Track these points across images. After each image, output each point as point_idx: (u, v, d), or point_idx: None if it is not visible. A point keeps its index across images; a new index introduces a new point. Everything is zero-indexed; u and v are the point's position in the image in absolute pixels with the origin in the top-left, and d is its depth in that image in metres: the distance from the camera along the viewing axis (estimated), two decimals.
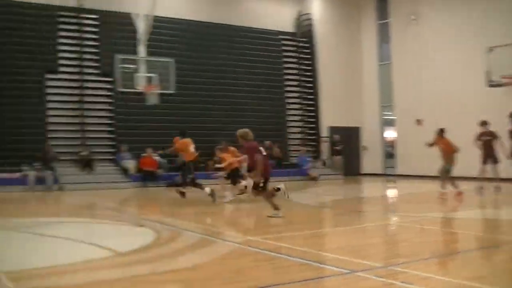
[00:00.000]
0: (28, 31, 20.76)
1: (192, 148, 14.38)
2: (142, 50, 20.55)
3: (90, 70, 22.04)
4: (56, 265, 6.62)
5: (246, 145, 10.76)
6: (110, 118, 22.15)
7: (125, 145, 20.86)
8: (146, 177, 20.15)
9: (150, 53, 20.83)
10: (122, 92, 20.64)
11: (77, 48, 21.83)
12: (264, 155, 10.68)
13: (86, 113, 21.55)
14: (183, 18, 23.95)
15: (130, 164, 20.39)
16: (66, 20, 21.89)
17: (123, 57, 20.04)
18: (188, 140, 14.66)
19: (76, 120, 21.38)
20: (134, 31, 20.94)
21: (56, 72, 21.33)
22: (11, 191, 17.67)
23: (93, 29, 22.33)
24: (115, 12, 22.23)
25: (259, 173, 10.43)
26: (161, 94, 20.29)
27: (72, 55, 21.76)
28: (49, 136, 20.57)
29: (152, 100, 20.05)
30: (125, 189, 18.77)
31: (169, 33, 23.38)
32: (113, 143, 21.70)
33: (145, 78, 19.92)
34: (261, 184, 10.59)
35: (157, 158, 20.45)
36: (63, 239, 8.80)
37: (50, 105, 21.07)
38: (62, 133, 20.99)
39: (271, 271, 6.25)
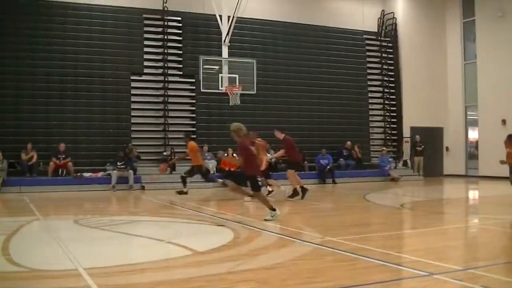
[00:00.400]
0: (114, 34, 21.40)
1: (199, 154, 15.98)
2: (224, 51, 20.71)
3: (173, 72, 22.48)
4: (136, 263, 6.70)
5: (240, 142, 10.50)
6: (192, 119, 22.54)
7: (206, 145, 21.10)
8: (226, 177, 20.26)
9: (232, 54, 20.97)
10: (205, 93, 20.89)
11: (161, 50, 22.30)
12: (253, 154, 10.67)
13: (168, 113, 21.99)
14: (265, 18, 24.00)
15: (211, 164, 20.57)
16: (151, 22, 22.41)
17: (206, 58, 20.28)
18: (195, 145, 16.06)
19: (159, 121, 21.89)
20: (216, 32, 21.15)
21: (141, 74, 21.89)
22: (95, 190, 18.30)
23: (177, 31, 22.74)
24: (198, 13, 22.55)
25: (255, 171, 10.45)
26: (243, 95, 20.38)
27: (156, 57, 22.26)
28: (132, 136, 21.15)
29: (234, 100, 20.17)
30: (206, 188, 18.95)
31: (251, 34, 23.49)
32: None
33: (228, 78, 20.06)
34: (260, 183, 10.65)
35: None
36: (143, 238, 8.94)
37: (134, 106, 21.65)
38: (145, 134, 21.54)
39: (349, 272, 6.13)
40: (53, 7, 20.75)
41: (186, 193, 16.08)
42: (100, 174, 19.35)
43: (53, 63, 20.33)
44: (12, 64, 19.88)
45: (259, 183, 10.51)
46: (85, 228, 9.71)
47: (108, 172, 19.22)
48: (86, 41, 20.92)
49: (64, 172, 19.17)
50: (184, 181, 16.20)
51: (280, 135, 14.98)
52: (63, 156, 19.15)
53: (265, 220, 10.19)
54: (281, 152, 15.44)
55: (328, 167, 22.51)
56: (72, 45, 20.68)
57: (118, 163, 19.20)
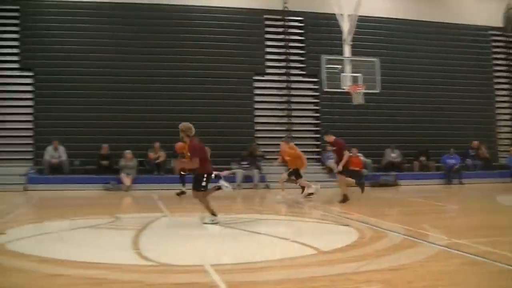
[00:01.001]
0: (236, 35, 22.00)
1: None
2: (346, 50, 20.63)
3: (296, 71, 22.71)
4: (261, 260, 6.84)
5: (190, 142, 9.98)
6: (316, 118, 22.64)
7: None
8: (351, 176, 20.15)
9: (355, 53, 20.84)
10: (328, 92, 20.91)
11: (283, 50, 22.61)
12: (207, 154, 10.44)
13: (292, 113, 22.26)
14: (386, 16, 23.59)
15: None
16: (272, 23, 22.79)
17: (328, 57, 20.28)
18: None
19: (283, 120, 22.21)
20: (338, 31, 21.11)
21: (263, 74, 22.34)
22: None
23: (298, 31, 22.95)
24: (319, 13, 22.61)
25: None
26: (367, 94, 20.19)
27: (278, 57, 22.60)
28: (256, 135, 21.63)
29: (358, 99, 20.04)
30: (330, 188, 18.96)
31: (373, 32, 23.18)
32: (318, 142, 22.13)
33: (350, 78, 19.97)
34: (204, 184, 9.99)
35: (362, 158, 20.43)
36: (268, 236, 9.10)
37: (257, 105, 22.12)
38: (269, 133, 21.92)
39: (476, 276, 5.90)
40: (176, 10, 21.77)
41: (313, 194, 15.85)
42: (225, 173, 19.94)
43: (177, 64, 21.32)
44: (140, 66, 21.07)
45: (203, 183, 10.03)
46: (210, 225, 10.06)
47: (233, 171, 19.78)
48: (208, 42, 21.68)
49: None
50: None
51: (330, 138, 14.46)
52: None
53: (204, 223, 10.12)
54: (346, 156, 14.22)
55: (456, 167, 21.73)
56: (194, 47, 21.55)
57: (243, 162, 19.70)
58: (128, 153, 18.95)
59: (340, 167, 14.12)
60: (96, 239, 8.93)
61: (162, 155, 19.73)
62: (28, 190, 17.83)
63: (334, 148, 14.66)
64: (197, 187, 10.08)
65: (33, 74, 20.85)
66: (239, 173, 19.42)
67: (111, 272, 6.16)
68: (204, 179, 9.97)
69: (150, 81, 21.12)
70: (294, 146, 15.97)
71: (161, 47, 21.41)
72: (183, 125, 10.02)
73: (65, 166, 19.27)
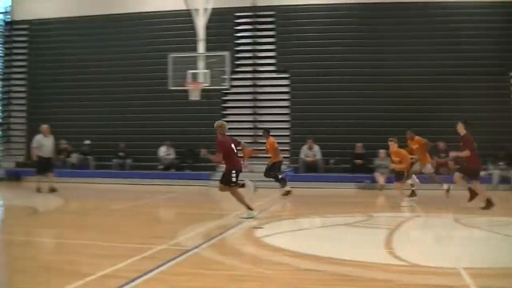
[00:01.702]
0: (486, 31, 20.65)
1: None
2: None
3: None
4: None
5: (220, 138, 10.58)
6: None
7: None
8: None
9: None
10: None
11: None
12: (234, 151, 10.66)
13: None
14: None
15: None
16: None
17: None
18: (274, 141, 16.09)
19: None
20: None
21: None
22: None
23: None
24: None
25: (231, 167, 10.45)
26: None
27: None
28: None
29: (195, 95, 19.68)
30: None
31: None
32: None
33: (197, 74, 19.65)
34: (234, 179, 10.44)
35: None
36: None
37: None
38: None
39: None
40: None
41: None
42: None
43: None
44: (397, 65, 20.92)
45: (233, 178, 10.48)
46: (464, 227, 9.64)
47: (489, 171, 18.55)
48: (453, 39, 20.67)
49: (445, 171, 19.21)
50: (279, 180, 15.93)
51: (462, 130, 12.48)
52: (444, 154, 19.19)
53: (241, 218, 10.43)
54: (465, 153, 12.30)
55: None
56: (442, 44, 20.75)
57: (500, 163, 18.40)
58: (382, 152, 18.91)
59: None
60: (348, 236, 9.18)
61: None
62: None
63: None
64: (226, 182, 10.63)
65: (288, 76, 22.05)
66: (496, 174, 18.13)
67: (362, 270, 6.31)
68: (233, 174, 10.49)
69: (399, 80, 20.82)
70: None
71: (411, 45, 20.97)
72: (217, 123, 10.96)
73: (320, 165, 19.92)
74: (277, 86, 22.30)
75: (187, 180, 20.00)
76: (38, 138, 16.98)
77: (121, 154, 21.72)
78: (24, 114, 25.00)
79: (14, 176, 21.63)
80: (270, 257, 7.11)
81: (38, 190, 16.53)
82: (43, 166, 16.82)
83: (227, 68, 19.63)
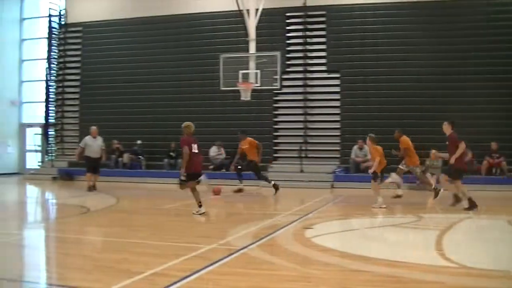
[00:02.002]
0: None
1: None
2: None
3: None
4: None
5: (184, 138, 11.62)
6: None
7: None
8: None
9: None
10: None
11: None
12: (196, 152, 11.56)
13: None
14: None
15: None
16: None
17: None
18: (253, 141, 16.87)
19: None
20: None
21: None
22: None
23: None
24: None
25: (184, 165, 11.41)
26: None
27: None
28: None
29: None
30: None
31: None
32: None
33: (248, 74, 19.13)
34: (183, 178, 11.50)
35: None
36: None
37: None
38: None
39: None
40: None
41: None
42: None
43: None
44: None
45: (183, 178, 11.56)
46: None
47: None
48: None
49: (498, 171, 18.86)
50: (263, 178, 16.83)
51: (448, 130, 12.77)
52: (497, 155, 18.88)
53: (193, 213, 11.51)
54: (459, 151, 12.37)
55: None
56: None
57: None
58: (433, 153, 18.70)
59: None
60: (398, 237, 9.20)
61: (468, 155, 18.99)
62: (334, 187, 18.87)
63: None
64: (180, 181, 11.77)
65: (339, 75, 22.08)
66: None
67: (411, 271, 6.36)
68: (184, 175, 11.56)
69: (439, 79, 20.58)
70: None
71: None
72: (184, 123, 11.87)
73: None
74: (328, 86, 22.27)
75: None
76: (86, 139, 17.78)
77: (172, 153, 22.06)
78: (77, 115, 25.72)
79: (66, 175, 22.26)
80: (319, 257, 7.22)
81: (89, 188, 17.17)
82: (92, 166, 17.53)
83: (278, 68, 19.63)
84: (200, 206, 11.64)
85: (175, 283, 5.76)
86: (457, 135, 12.60)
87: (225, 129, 22.16)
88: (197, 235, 9.13)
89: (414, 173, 15.06)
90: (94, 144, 17.48)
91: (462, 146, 12.39)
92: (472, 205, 12.14)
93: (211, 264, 6.64)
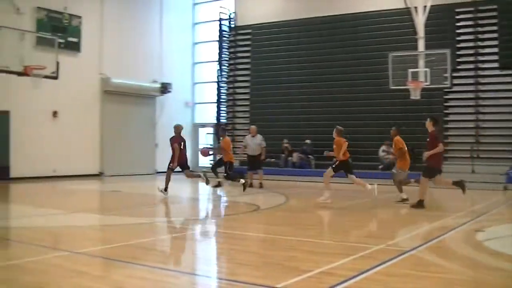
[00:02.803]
0: None
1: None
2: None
3: None
4: None
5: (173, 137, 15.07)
6: None
7: None
8: None
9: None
10: None
11: None
12: (181, 148, 14.88)
13: None
14: None
15: None
16: None
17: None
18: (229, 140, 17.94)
19: None
20: None
21: None
22: None
23: None
24: None
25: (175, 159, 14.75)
26: None
27: None
28: None
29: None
30: None
31: None
32: None
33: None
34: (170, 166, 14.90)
35: None
36: None
37: None
38: None
39: None
40: None
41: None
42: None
43: None
44: None
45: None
46: None
47: None
48: None
49: None
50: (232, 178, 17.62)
51: (430, 127, 12.97)
52: None
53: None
54: (437, 149, 12.55)
55: None
56: None
57: None
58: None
59: None
60: None
61: None
62: (508, 189, 18.52)
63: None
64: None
65: None
66: None
67: None
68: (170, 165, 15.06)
69: None
70: None
71: None
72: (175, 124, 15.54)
73: None
74: (501, 84, 21.89)
75: None
76: (246, 138, 19.48)
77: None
78: (247, 115, 27.42)
79: (238, 175, 23.66)
80: (490, 262, 7.20)
81: (250, 185, 18.41)
82: (251, 164, 19.10)
83: (448, 66, 19.69)
84: (165, 190, 14.72)
85: (342, 282, 5.86)
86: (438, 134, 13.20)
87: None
88: (366, 235, 9.44)
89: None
90: (251, 143, 18.94)
91: (441, 147, 12.52)
92: (419, 206, 12.57)
93: (379, 265, 6.69)
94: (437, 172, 12.93)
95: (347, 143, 13.93)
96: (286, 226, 10.41)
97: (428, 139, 12.93)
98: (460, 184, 12.91)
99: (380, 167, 21.55)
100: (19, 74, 17.79)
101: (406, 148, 14.28)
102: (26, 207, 13.69)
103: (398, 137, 14.46)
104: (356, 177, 14.10)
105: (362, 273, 6.27)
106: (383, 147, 21.81)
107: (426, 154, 12.64)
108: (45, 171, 19.11)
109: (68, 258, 7.25)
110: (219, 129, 19.36)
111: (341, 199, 15.02)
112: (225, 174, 17.82)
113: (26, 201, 14.75)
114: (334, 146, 14.06)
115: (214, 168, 18.95)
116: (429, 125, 13.04)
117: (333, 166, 13.87)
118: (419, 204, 12.70)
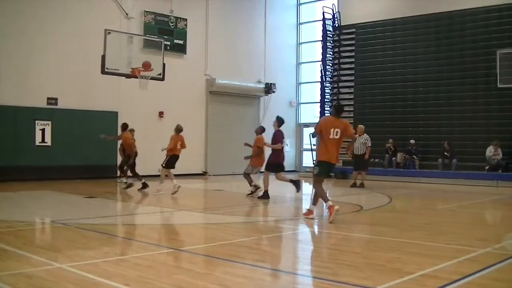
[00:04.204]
0: None
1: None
2: None
3: None
4: None
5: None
6: None
7: None
8: None
9: None
10: None
11: None
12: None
13: None
14: None
15: None
16: None
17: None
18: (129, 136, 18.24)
19: None
20: None
21: None
22: None
23: None
24: None
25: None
26: None
27: None
28: None
29: None
30: None
31: None
32: None
33: None
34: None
35: None
36: None
37: None
38: None
39: None
40: None
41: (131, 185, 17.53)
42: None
43: None
44: None
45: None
46: None
47: None
48: None
49: None
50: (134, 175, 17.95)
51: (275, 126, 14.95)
52: None
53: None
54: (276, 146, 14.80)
55: None
56: None
57: None
58: None
59: None
60: None
61: None
62: None
63: None
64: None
65: None
66: None
67: None
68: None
69: None
70: None
71: None
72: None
73: None
74: None
75: None
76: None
77: (446, 153, 22.67)
78: (351, 114, 27.56)
79: (340, 174, 24.02)
80: None
81: (353, 185, 19.12)
82: (356, 163, 19.54)
83: None
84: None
85: (445, 285, 5.83)
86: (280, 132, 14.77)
87: (503, 128, 22.27)
88: (471, 238, 9.18)
89: None
90: (357, 142, 19.17)
91: None
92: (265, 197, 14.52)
93: (483, 269, 6.61)
94: (280, 166, 14.80)
95: None
96: (390, 227, 10.49)
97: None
98: None
99: (486, 167, 21.33)
100: (127, 76, 19.28)
101: None
102: (134, 204, 14.68)
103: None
104: None
105: (466, 277, 6.23)
106: (490, 147, 21.59)
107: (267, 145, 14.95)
108: (150, 170, 20.16)
109: (172, 255, 7.67)
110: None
111: (448, 200, 15.03)
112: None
113: (134, 199, 15.52)
114: None
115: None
116: (275, 125, 14.93)
117: None
118: (266, 195, 14.60)
